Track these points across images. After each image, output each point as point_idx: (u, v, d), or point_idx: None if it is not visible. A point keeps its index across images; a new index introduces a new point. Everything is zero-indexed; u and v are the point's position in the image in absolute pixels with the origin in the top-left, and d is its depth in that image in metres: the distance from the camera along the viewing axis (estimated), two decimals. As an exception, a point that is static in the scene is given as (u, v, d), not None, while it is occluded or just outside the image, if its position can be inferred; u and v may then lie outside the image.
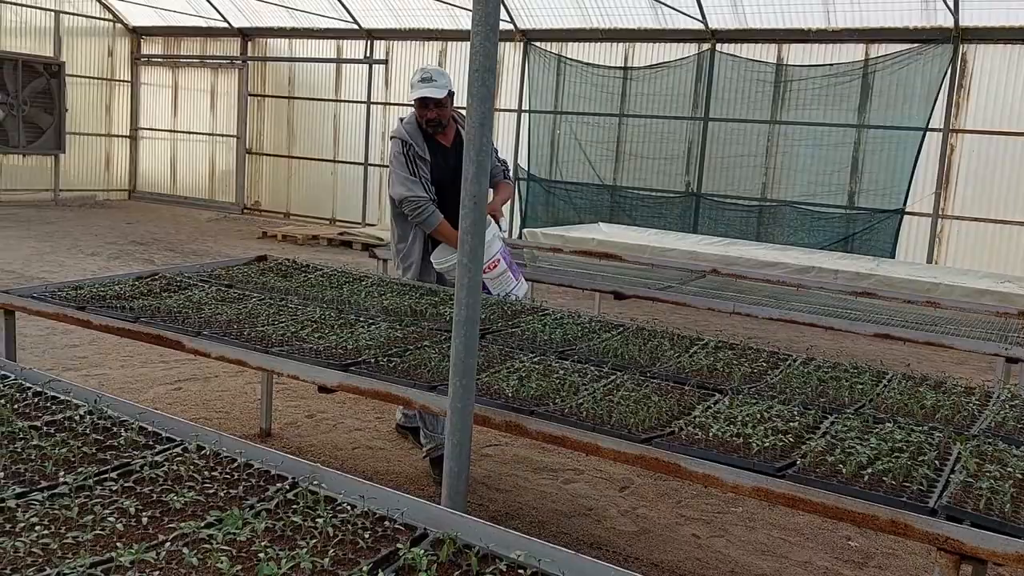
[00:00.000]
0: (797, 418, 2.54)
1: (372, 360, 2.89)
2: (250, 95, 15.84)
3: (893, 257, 10.68)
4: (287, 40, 15.42)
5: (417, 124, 4.39)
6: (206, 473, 1.76)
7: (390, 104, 14.46)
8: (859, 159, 11.27)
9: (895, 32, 10.78)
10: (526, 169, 13.40)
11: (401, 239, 4.41)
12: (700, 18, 11.74)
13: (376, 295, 3.94)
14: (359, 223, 14.56)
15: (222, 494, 1.68)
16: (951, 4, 10.00)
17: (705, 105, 12.21)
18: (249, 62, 15.75)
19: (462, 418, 2.41)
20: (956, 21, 10.25)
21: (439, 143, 4.43)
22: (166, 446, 1.90)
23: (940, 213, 10.67)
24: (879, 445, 2.28)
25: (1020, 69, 10.17)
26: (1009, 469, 2.16)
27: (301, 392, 5.42)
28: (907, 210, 10.85)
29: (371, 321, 3.42)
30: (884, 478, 2.09)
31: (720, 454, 2.26)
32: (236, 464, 1.83)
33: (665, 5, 11.59)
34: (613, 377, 2.92)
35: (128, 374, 5.62)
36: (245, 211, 15.88)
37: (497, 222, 4.49)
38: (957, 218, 10.61)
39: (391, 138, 4.44)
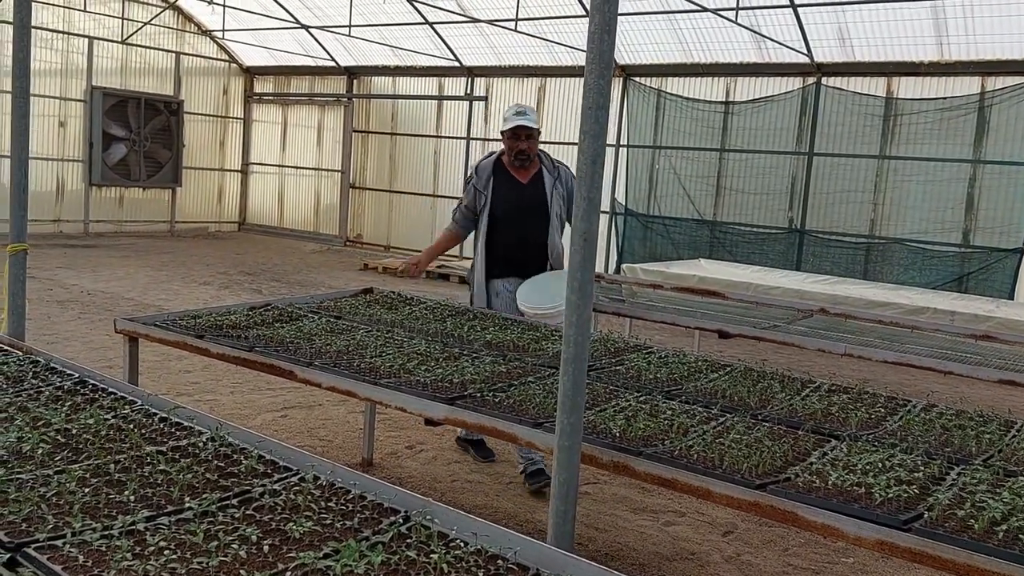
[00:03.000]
0: (921, 468, 2.41)
1: (478, 394, 2.90)
2: (354, 131, 16.37)
3: (1012, 298, 10.12)
4: (391, 78, 15.91)
5: (497, 159, 4.69)
6: (322, 503, 1.79)
7: (489, 140, 14.68)
8: (975, 195, 10.78)
9: (1013, 64, 10.33)
10: (623, 204, 13.35)
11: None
12: (805, 51, 11.53)
13: (479, 329, 3.97)
14: (456, 256, 14.77)
15: (338, 525, 1.71)
16: (1076, 34, 9.52)
17: (810, 139, 11.93)
18: (354, 99, 16.30)
19: (569, 457, 2.38)
20: (1081, 51, 9.75)
21: (514, 178, 4.68)
22: (284, 475, 1.94)
23: (1063, 252, 10.08)
24: (1013, 500, 2.14)
25: None
26: None
27: (401, 423, 5.49)
28: (1028, 249, 10.30)
29: (475, 355, 3.44)
30: (1021, 535, 1.96)
31: (841, 503, 2.16)
32: (351, 495, 1.85)
33: (768, 39, 11.43)
34: (723, 419, 2.85)
35: (237, 400, 5.82)
36: (347, 243, 16.34)
37: None
38: (1082, 257, 9.99)
39: (472, 168, 4.83)
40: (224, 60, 17.18)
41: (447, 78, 15.08)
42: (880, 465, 2.41)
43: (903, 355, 4.47)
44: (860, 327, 5.74)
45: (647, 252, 13.05)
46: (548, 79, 13.89)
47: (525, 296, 4.45)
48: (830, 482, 2.28)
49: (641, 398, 3.04)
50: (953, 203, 10.93)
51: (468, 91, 14.75)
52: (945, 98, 10.93)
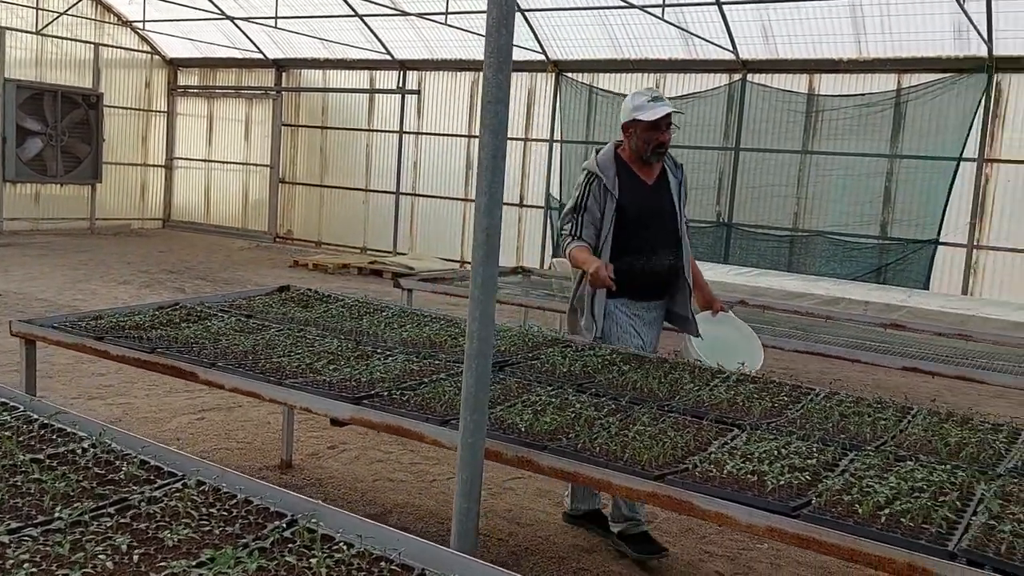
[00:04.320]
0: (815, 455, 2.47)
1: (385, 393, 2.87)
2: (284, 125, 16.09)
3: (927, 288, 10.48)
4: (321, 71, 15.68)
5: (616, 156, 3.86)
6: (203, 509, 1.75)
7: (422, 134, 14.60)
8: (892, 189, 11.12)
9: (928, 61, 10.68)
10: (558, 199, 13.42)
11: (574, 283, 4.00)
12: (731, 48, 11.72)
13: (396, 326, 3.93)
14: (390, 252, 14.66)
15: (218, 532, 1.66)
16: (985, 34, 9.87)
17: (736, 135, 12.16)
18: (283, 92, 16.02)
19: (472, 454, 2.38)
20: (990, 50, 10.12)
21: (639, 177, 3.88)
22: (167, 481, 1.89)
23: (975, 244, 10.47)
24: (899, 484, 2.20)
25: (1057, 97, 10.00)
26: (1035, 512, 2.07)
27: (324, 423, 5.42)
28: (941, 240, 10.67)
29: (388, 353, 3.41)
30: (902, 519, 2.02)
31: (734, 492, 2.20)
32: (235, 500, 1.81)
33: (696, 36, 11.59)
34: (631, 411, 2.88)
35: (152, 403, 5.67)
36: (277, 240, 16.07)
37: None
38: (993, 248, 10.40)
39: (583, 170, 3.93)
40: (146, 52, 16.71)
41: (379, 71, 14.93)
42: (776, 453, 2.46)
43: (814, 344, 4.58)
44: (777, 318, 5.87)
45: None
46: (482, 73, 13.87)
47: (706, 349, 3.82)
48: (726, 471, 2.31)
49: (552, 392, 3.04)
50: (872, 197, 11.26)
51: (400, 85, 14.63)
52: (864, 94, 11.25)
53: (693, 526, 4.29)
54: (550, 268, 8.77)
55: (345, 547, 1.66)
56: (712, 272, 8.18)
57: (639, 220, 3.83)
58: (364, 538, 1.69)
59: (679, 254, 3.94)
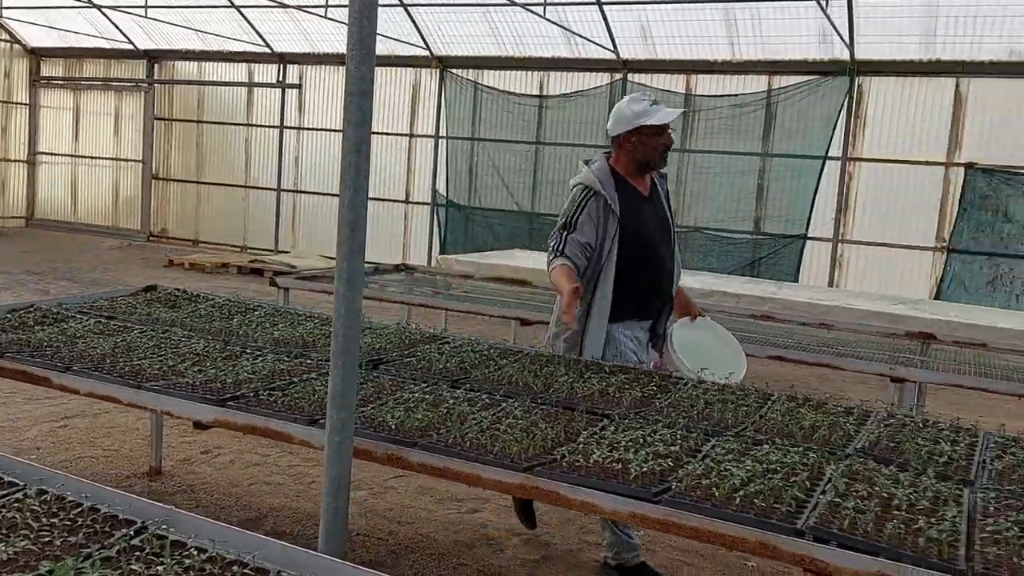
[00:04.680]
0: (679, 442, 2.55)
1: (252, 394, 2.79)
2: (157, 119, 15.43)
3: (797, 281, 10.99)
4: (196, 63, 15.11)
5: (611, 171, 3.61)
6: (44, 519, 1.65)
7: (304, 129, 14.28)
8: (764, 186, 11.62)
9: (796, 64, 11.19)
10: (444, 195, 13.39)
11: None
12: (612, 48, 11.97)
13: (268, 326, 3.83)
14: (272, 250, 14.28)
15: (59, 542, 1.58)
16: (847, 38, 10.43)
17: (616, 132, 12.40)
18: (155, 85, 15.36)
19: (340, 453, 2.34)
20: (852, 54, 10.69)
21: (638, 192, 3.66)
22: (6, 491, 1.78)
23: (840, 238, 11.06)
24: (754, 467, 2.30)
25: (910, 100, 10.67)
26: (876, 488, 2.20)
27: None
28: (809, 235, 11.22)
29: (258, 353, 3.32)
30: (755, 500, 2.11)
31: (600, 481, 2.24)
32: (80, 509, 1.72)
33: (577, 35, 11.78)
34: (504, 405, 2.89)
35: (10, 411, 5.34)
36: (151, 238, 15.40)
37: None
38: (856, 243, 11.01)
39: (575, 185, 3.63)
40: (5, 40, 15.69)
41: (257, 64, 14.51)
42: (642, 441, 2.53)
43: (687, 336, 4.71)
44: (654, 311, 6.03)
45: (469, 243, 13.16)
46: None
47: (683, 352, 3.59)
48: (592, 460, 2.36)
49: (427, 389, 3.03)
50: (746, 194, 11.73)
51: (280, 78, 14.27)
52: (737, 95, 11.69)
53: (574, 516, 4.37)
54: (436, 265, 8.74)
55: (196, 552, 1.60)
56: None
57: (641, 236, 3.59)
58: (218, 542, 1.64)
59: (677, 268, 3.78)
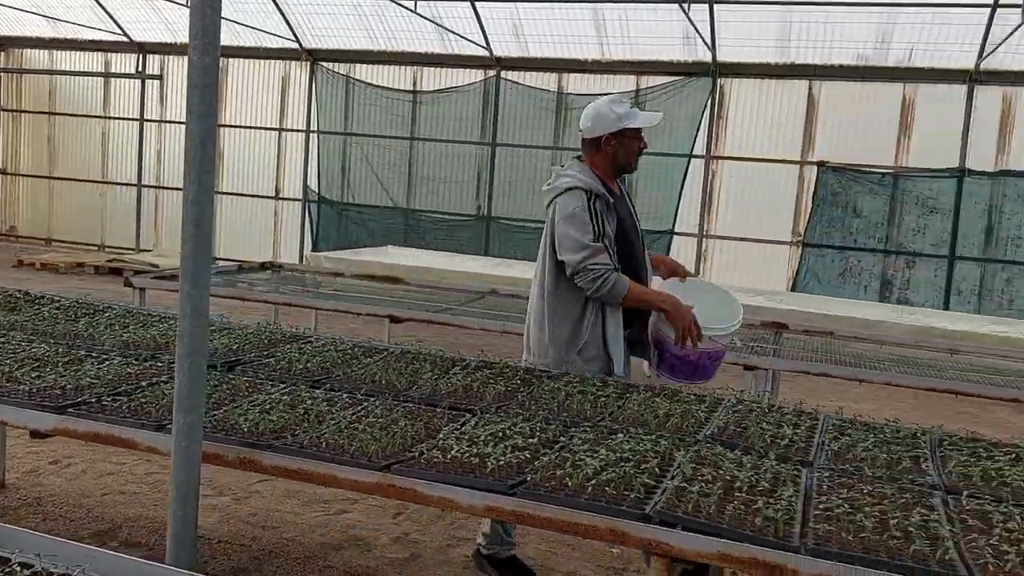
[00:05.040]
0: (538, 434, 2.58)
1: (95, 400, 2.65)
2: (3, 110, 14.42)
3: (665, 276, 11.36)
4: (47, 51, 14.21)
5: (591, 173, 3.47)
6: None
7: (166, 122, 13.68)
8: (634, 183, 11.94)
9: (662, 65, 11.56)
10: (316, 191, 13.12)
11: (568, 319, 3.44)
12: (485, 45, 12.02)
13: (118, 328, 3.65)
14: (133, 249, 13.61)
15: None
16: (709, 41, 10.85)
17: (492, 130, 12.50)
18: (2, 74, 14.35)
19: (187, 458, 2.26)
20: (714, 56, 11.13)
21: (616, 194, 3.55)
22: None
23: (705, 233, 11.51)
24: (607, 456, 2.36)
25: (768, 101, 11.21)
26: (721, 472, 2.30)
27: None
28: (676, 231, 11.62)
29: (104, 357, 3.15)
30: (607, 488, 2.16)
31: (458, 476, 2.25)
32: None
33: (450, 31, 11.77)
34: (365, 404, 2.86)
35: None
36: None
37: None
38: (720, 237, 11.48)
39: (568, 189, 3.42)
40: None
41: (115, 54, 13.78)
42: (501, 435, 2.55)
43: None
44: (526, 305, 6.10)
45: (343, 240, 12.95)
46: (231, 60, 13.19)
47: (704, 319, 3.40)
48: (450, 456, 2.36)
49: (285, 390, 2.96)
50: (617, 190, 12.02)
51: (140, 69, 13.60)
52: (607, 94, 11.95)
53: (444, 514, 4.36)
54: (306, 263, 8.55)
55: (20, 569, 1.51)
56: (468, 264, 8.37)
57: (628, 237, 3.53)
58: (45, 557, 1.54)
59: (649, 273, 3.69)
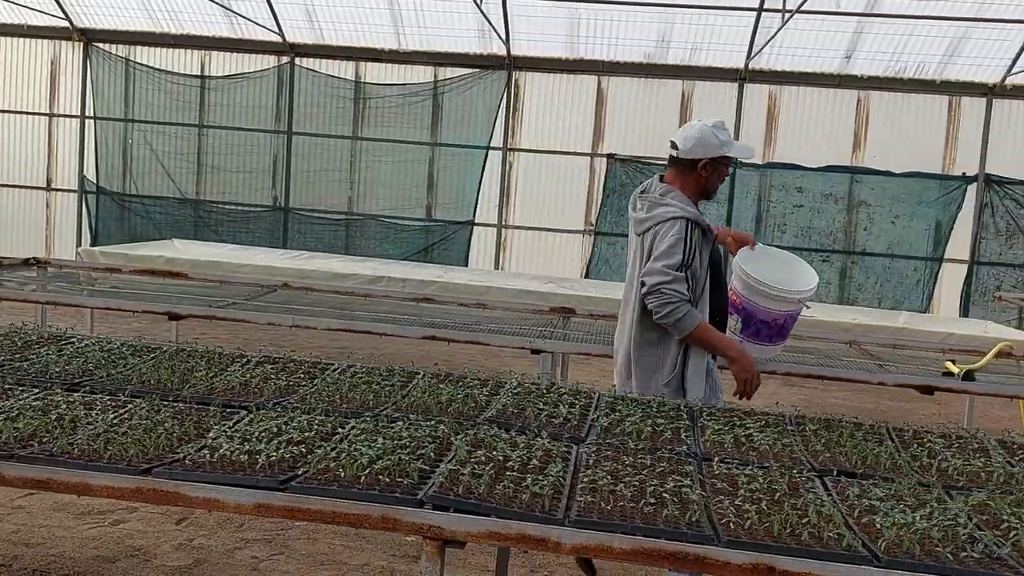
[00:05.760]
0: (316, 427, 2.53)
1: None
2: None
3: (467, 265, 11.53)
4: None
5: (690, 201, 3.38)
6: None
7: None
8: (434, 174, 12.01)
9: (459, 57, 11.68)
10: (95, 182, 12.18)
11: (652, 347, 3.35)
12: (277, 30, 11.63)
13: None
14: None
15: None
16: (503, 35, 11.07)
17: (288, 118, 12.13)
18: None
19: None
20: (508, 50, 11.38)
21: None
22: None
23: (503, 224, 11.77)
24: (384, 445, 2.35)
25: (560, 95, 11.62)
26: (495, 453, 2.36)
27: None
28: (476, 222, 11.80)
29: None
30: (381, 476, 2.15)
31: (225, 475, 2.16)
32: None
33: (239, 15, 11.27)
34: (130, 406, 2.68)
35: None
36: None
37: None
38: (517, 228, 11.79)
39: (673, 219, 3.28)
40: None
41: None
42: (276, 430, 2.47)
43: (346, 322, 4.74)
44: (319, 299, 5.98)
45: (126, 234, 12.11)
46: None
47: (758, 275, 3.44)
48: (219, 455, 2.26)
49: (38, 395, 2.72)
50: (417, 181, 12.05)
51: None
52: (405, 84, 11.94)
53: (231, 516, 4.20)
54: (79, 258, 7.91)
55: None
56: (260, 256, 8.08)
57: (718, 268, 3.52)
58: None
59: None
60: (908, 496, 2.22)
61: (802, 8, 9.61)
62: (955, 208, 11.00)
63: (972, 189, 10.97)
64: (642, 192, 3.50)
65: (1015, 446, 2.78)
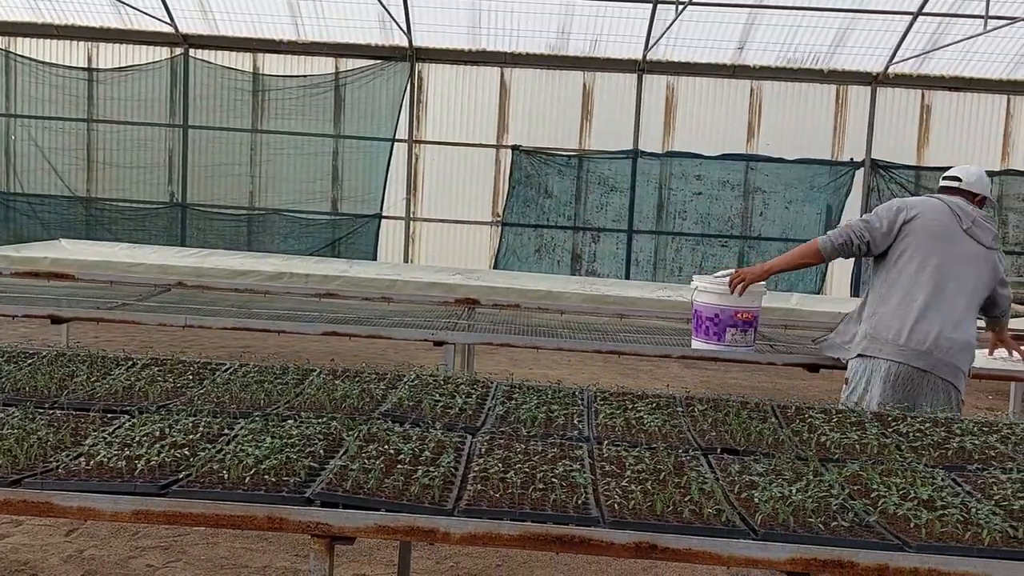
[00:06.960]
0: (202, 429, 2.46)
1: None
2: None
3: (375, 259, 11.41)
4: None
5: None
6: None
7: None
8: (339, 167, 11.83)
9: (360, 48, 11.53)
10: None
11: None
12: (169, 21, 11.24)
13: None
14: None
15: None
16: (404, 26, 10.97)
17: (183, 112, 11.75)
18: None
19: None
20: (410, 41, 11.29)
21: None
22: None
23: (412, 216, 11.70)
24: (272, 444, 2.30)
25: (463, 87, 11.60)
26: (387, 447, 2.34)
27: None
28: (384, 215, 11.69)
29: None
30: (267, 476, 2.11)
31: (100, 483, 2.08)
32: None
33: (128, 5, 10.83)
34: (1, 415, 2.54)
35: None
36: None
37: None
38: (425, 220, 11.74)
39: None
40: None
41: None
42: (159, 434, 2.39)
43: (242, 320, 4.62)
44: (216, 297, 5.82)
45: (11, 235, 11.51)
46: None
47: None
48: (95, 462, 2.18)
49: (-102, 407, 2.56)
50: (321, 175, 11.85)
51: None
52: (306, 76, 11.71)
53: (126, 524, 4.05)
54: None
55: None
56: (154, 255, 7.80)
57: None
58: None
59: None
60: (787, 470, 2.31)
61: (696, 0, 9.84)
62: (844, 192, 11.48)
63: (860, 174, 11.47)
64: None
65: (889, 418, 2.92)
